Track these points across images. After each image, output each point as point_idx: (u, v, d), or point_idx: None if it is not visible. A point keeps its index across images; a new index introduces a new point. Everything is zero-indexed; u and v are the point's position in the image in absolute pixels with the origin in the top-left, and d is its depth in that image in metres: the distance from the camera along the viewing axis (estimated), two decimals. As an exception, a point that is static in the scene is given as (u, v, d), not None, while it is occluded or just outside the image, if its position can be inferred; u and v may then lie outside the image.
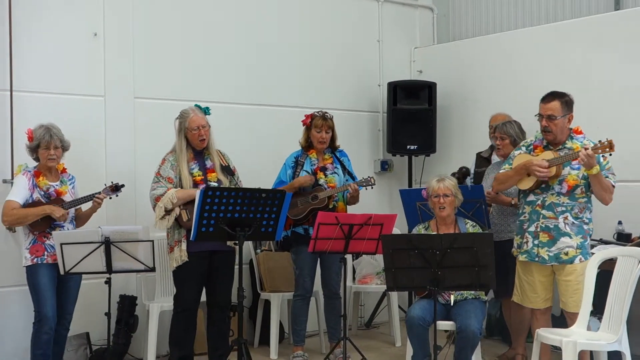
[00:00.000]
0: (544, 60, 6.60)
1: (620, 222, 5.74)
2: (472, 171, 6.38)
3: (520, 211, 4.99)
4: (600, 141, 4.58)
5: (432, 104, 7.19)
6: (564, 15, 7.01)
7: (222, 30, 6.52)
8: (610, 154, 4.61)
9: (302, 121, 5.81)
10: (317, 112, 5.77)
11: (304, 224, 5.67)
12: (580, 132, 4.87)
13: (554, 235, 4.78)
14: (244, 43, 6.63)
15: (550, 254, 4.79)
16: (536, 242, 4.83)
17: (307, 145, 5.81)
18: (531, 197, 4.89)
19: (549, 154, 4.78)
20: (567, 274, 4.77)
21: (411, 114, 7.18)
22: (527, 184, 4.86)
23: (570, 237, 4.76)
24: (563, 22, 6.77)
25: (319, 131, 5.72)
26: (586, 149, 4.56)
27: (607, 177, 4.72)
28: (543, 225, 4.81)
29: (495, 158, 6.24)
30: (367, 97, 7.49)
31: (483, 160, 6.33)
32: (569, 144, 4.82)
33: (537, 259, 4.83)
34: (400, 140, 7.20)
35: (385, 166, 7.50)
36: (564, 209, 4.77)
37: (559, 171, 4.74)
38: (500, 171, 5.09)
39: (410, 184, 7.38)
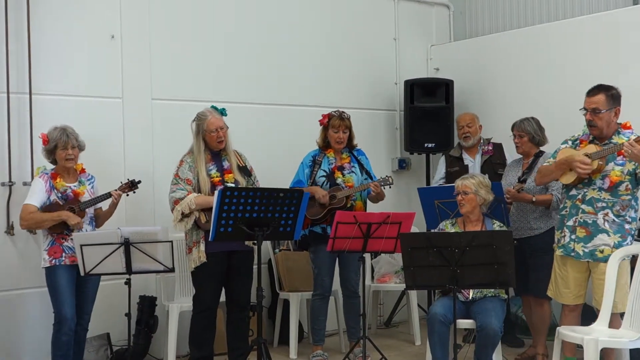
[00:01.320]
0: (561, 56, 6.56)
1: (641, 219, 5.69)
2: (443, 172, 6.38)
3: (562, 205, 4.92)
4: None
5: (449, 101, 7.17)
6: (581, 10, 6.97)
7: (238, 30, 6.53)
8: None
9: (320, 121, 5.81)
10: (335, 111, 5.77)
11: (322, 224, 5.67)
12: (629, 127, 4.75)
13: (592, 231, 4.70)
14: (260, 43, 6.64)
15: (586, 250, 4.72)
16: (573, 236, 4.76)
17: (325, 145, 5.82)
18: (573, 192, 4.81)
19: (592, 148, 4.69)
20: (602, 273, 4.67)
21: (428, 112, 7.16)
22: (569, 178, 4.77)
23: (608, 235, 4.67)
24: (581, 18, 6.73)
25: (336, 131, 5.72)
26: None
27: None
28: (581, 220, 4.73)
29: (466, 157, 6.26)
30: (384, 96, 7.48)
31: (454, 160, 6.34)
32: (615, 139, 4.70)
33: (572, 254, 4.77)
34: (417, 138, 7.19)
35: (402, 164, 7.49)
36: (604, 204, 4.68)
37: (601, 165, 4.65)
38: (544, 164, 5.04)
39: (428, 182, 7.35)
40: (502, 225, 5.19)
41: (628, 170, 4.65)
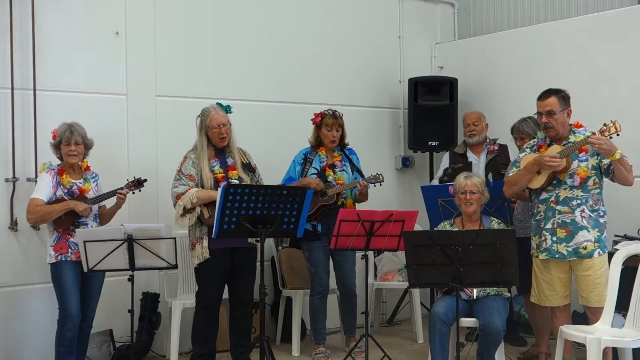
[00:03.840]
0: (565, 55, 6.55)
1: (645, 218, 5.69)
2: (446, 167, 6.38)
3: (535, 211, 4.95)
4: (605, 124, 4.56)
5: (453, 99, 7.16)
6: (586, 9, 6.96)
7: (244, 28, 6.54)
8: (618, 134, 4.55)
9: (312, 120, 5.82)
10: (327, 110, 5.79)
11: (313, 221, 5.67)
12: (581, 126, 4.86)
13: (572, 230, 4.74)
14: (265, 40, 6.64)
15: (569, 249, 4.76)
16: (554, 238, 4.79)
17: (317, 144, 5.84)
18: (544, 195, 4.86)
19: (557, 148, 4.76)
20: (586, 269, 4.74)
21: (432, 110, 7.16)
22: (538, 182, 4.83)
23: (588, 231, 4.73)
24: (585, 16, 6.72)
25: (329, 130, 5.73)
26: (594, 133, 4.57)
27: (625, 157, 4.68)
28: (559, 221, 4.78)
29: (470, 155, 6.29)
30: (388, 94, 7.47)
31: (458, 157, 6.34)
32: (572, 139, 4.80)
33: (557, 256, 4.80)
34: (421, 136, 7.18)
35: (406, 162, 7.49)
36: (579, 201, 4.75)
37: (568, 164, 4.73)
38: (509, 174, 5.06)
39: (431, 181, 7.35)
40: (500, 222, 5.19)
41: (592, 165, 4.76)
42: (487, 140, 6.34)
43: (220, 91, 6.08)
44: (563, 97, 4.83)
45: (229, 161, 5.24)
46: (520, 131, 5.67)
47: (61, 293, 4.91)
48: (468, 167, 6.17)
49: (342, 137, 5.82)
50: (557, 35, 6.67)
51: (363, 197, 5.74)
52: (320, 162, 5.79)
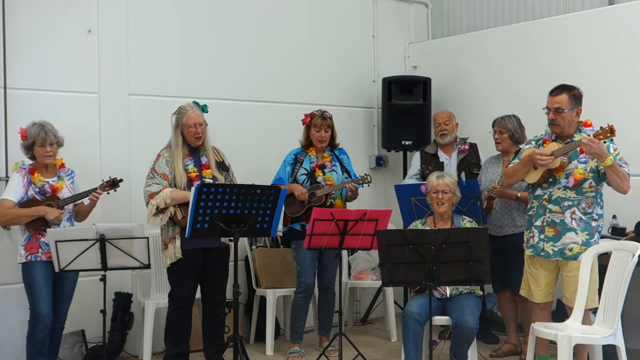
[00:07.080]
0: (538, 55, 6.61)
1: (614, 217, 5.75)
2: (418, 168, 6.40)
3: (529, 205, 4.96)
4: (601, 127, 4.53)
5: (426, 99, 7.20)
6: (558, 10, 7.02)
7: (217, 26, 6.51)
8: (612, 139, 4.57)
9: (302, 120, 5.85)
10: (317, 111, 5.82)
11: (302, 221, 5.69)
12: (590, 125, 4.81)
13: (560, 230, 4.74)
14: (240, 40, 6.61)
15: (555, 249, 4.76)
16: (542, 236, 4.80)
17: (307, 144, 5.86)
18: (538, 192, 4.86)
19: (555, 145, 4.74)
20: (571, 270, 4.73)
21: (406, 109, 7.18)
22: (534, 176, 4.82)
23: (576, 233, 4.72)
24: (557, 17, 6.78)
25: (318, 130, 5.76)
26: (589, 135, 4.56)
27: (621, 166, 4.65)
28: (549, 220, 4.78)
29: (442, 154, 6.32)
30: (362, 93, 7.49)
31: (430, 157, 6.38)
32: (577, 137, 4.76)
33: (542, 254, 4.81)
34: (395, 135, 7.21)
35: (380, 162, 7.51)
36: (570, 203, 4.73)
37: (564, 163, 4.70)
38: (509, 165, 5.07)
39: (404, 179, 7.37)
40: (471, 220, 5.22)
41: (591, 167, 4.71)
42: (457, 140, 6.39)
43: (193, 90, 6.06)
44: (575, 95, 4.77)
45: (203, 160, 5.22)
46: (501, 125, 5.71)
47: (32, 293, 4.86)
48: (440, 167, 6.20)
49: (332, 137, 5.86)
50: (530, 35, 6.74)
51: (354, 195, 5.79)
52: (311, 163, 5.82)
